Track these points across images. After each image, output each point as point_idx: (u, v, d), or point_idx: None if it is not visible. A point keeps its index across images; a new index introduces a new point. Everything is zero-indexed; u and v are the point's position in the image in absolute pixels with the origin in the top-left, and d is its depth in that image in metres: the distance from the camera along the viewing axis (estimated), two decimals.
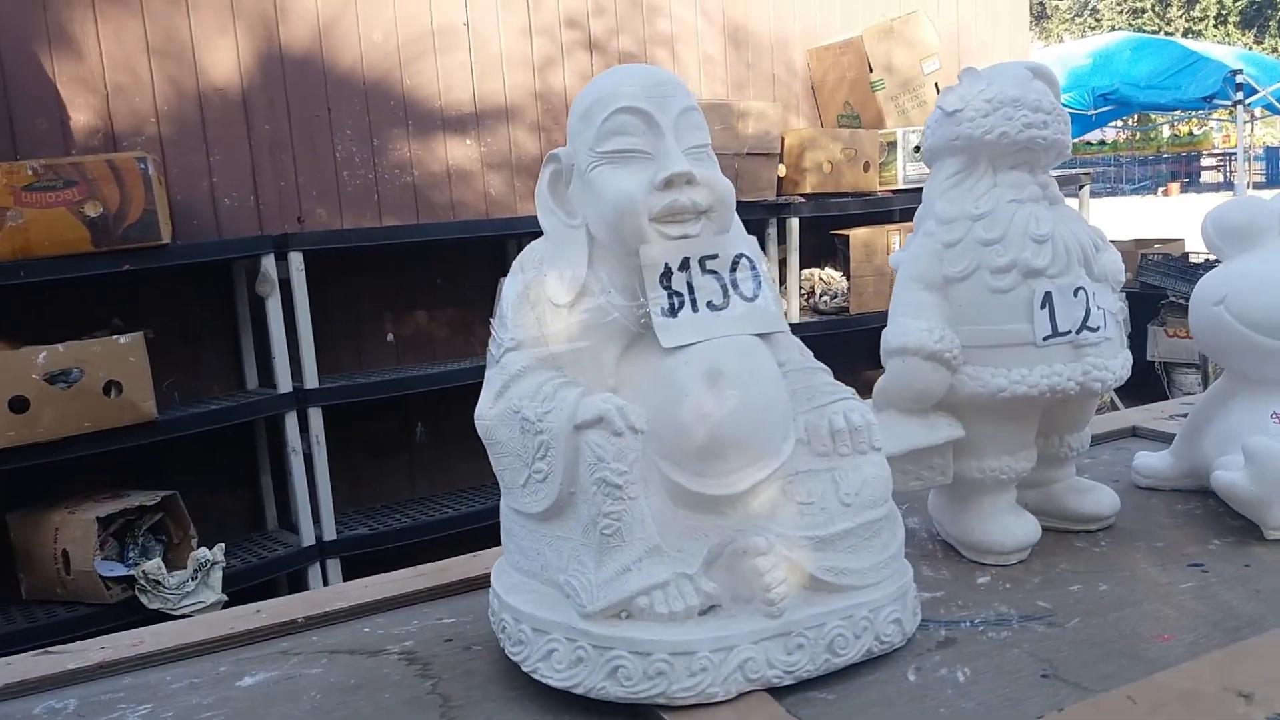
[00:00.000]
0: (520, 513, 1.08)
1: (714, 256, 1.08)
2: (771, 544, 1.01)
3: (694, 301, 1.06)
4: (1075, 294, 1.24)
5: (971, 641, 1.11)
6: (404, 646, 1.17)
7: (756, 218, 4.35)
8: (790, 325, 4.20)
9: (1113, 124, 17.49)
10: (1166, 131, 19.57)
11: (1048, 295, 1.23)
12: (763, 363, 1.06)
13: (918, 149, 4.66)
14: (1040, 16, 23.34)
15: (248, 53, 3.48)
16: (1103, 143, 19.59)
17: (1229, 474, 1.29)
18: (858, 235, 4.46)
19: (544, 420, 1.02)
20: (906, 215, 4.74)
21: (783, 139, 4.48)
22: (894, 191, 4.64)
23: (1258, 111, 9.45)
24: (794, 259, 4.41)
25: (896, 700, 1.00)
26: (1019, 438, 1.30)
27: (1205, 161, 19.79)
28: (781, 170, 4.50)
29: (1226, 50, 8.39)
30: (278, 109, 3.53)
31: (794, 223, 4.42)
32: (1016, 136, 1.25)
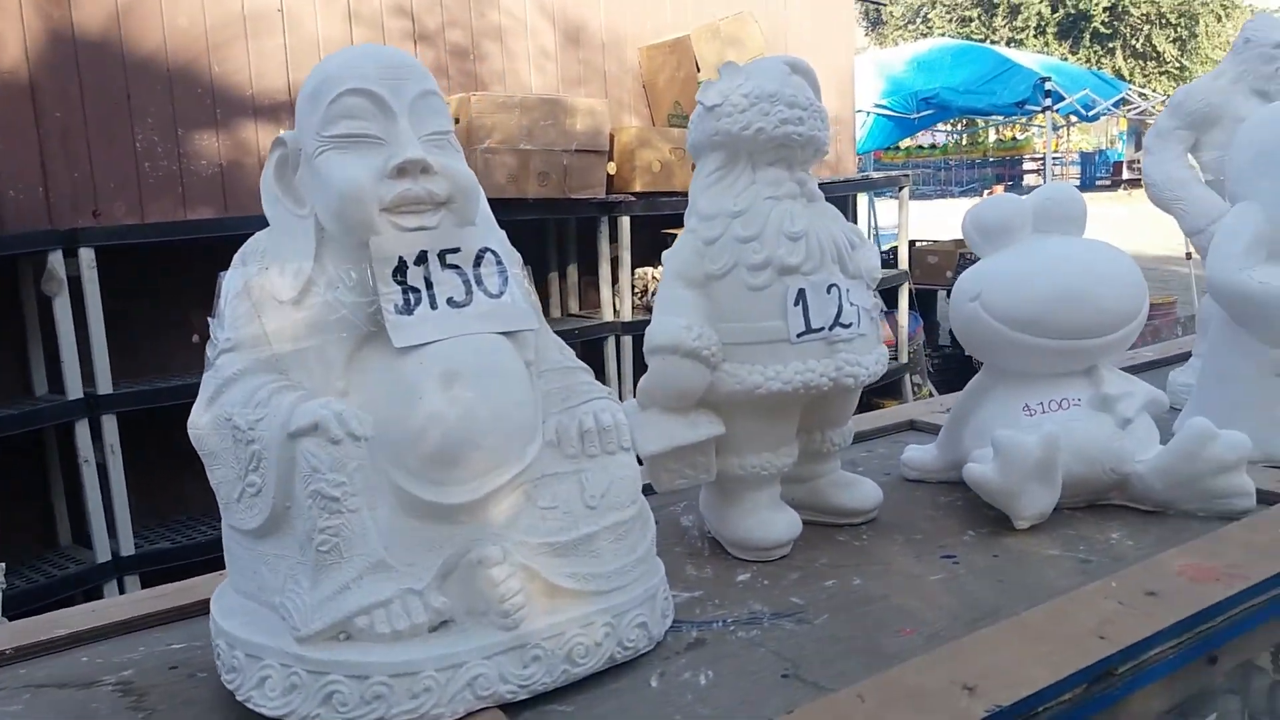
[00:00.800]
0: (237, 530, 1.00)
1: (455, 250, 1.02)
2: (508, 553, 0.96)
3: (433, 298, 1.00)
4: (829, 291, 1.24)
5: (720, 642, 1.08)
6: (121, 677, 1.07)
7: (587, 215, 4.32)
8: (623, 323, 4.12)
9: (942, 129, 18.24)
10: (992, 136, 20.53)
11: (801, 292, 1.22)
12: (505, 362, 1.01)
13: None
14: (876, 22, 24.14)
15: (36, 34, 3.23)
16: (934, 146, 20.40)
17: (979, 466, 1.31)
18: None
19: (256, 428, 0.94)
20: None
21: (613, 137, 4.46)
22: None
23: (1073, 118, 9.99)
24: (626, 257, 4.38)
25: (636, 708, 0.96)
26: (779, 434, 1.29)
27: (1027, 165, 20.85)
28: (612, 168, 4.47)
29: (1036, 59, 8.84)
30: (70, 95, 3.29)
31: (625, 221, 4.39)
32: (773, 132, 1.23)
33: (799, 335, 1.22)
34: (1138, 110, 9.88)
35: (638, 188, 4.40)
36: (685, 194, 4.17)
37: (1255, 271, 1.47)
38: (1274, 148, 1.48)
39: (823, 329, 1.23)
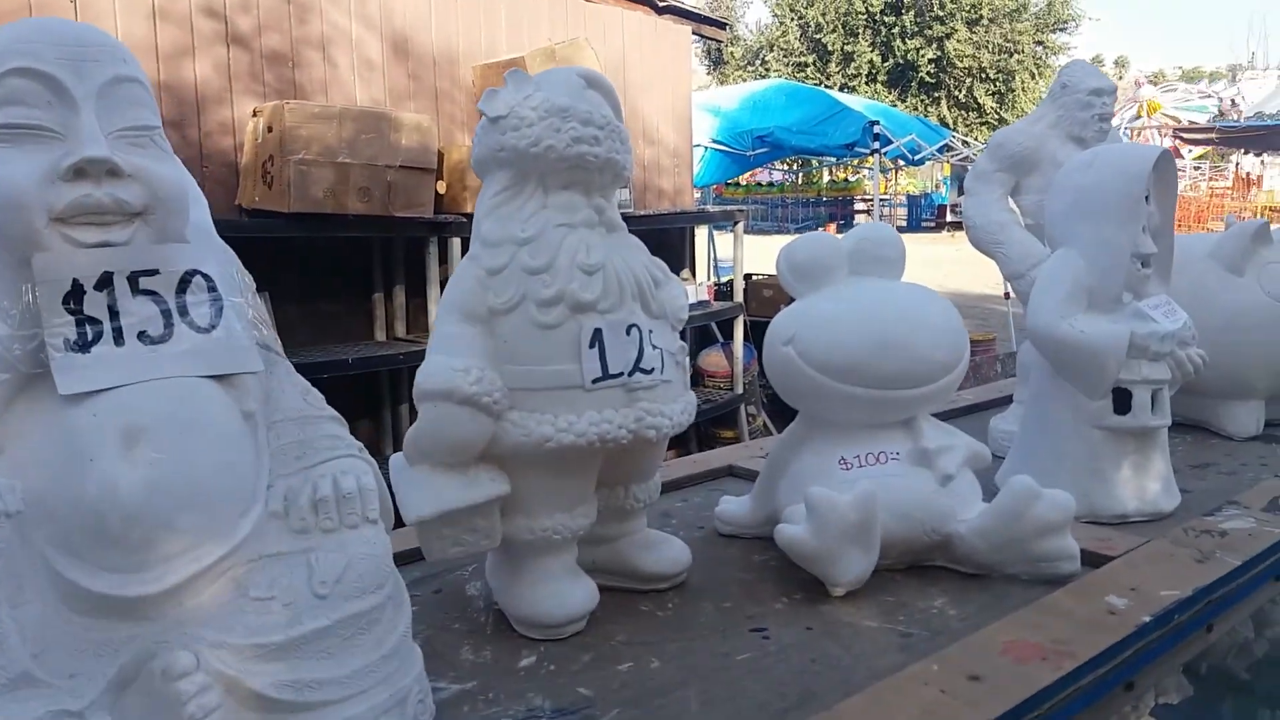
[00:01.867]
0: None
1: (152, 273, 0.81)
2: (203, 659, 0.75)
3: (118, 332, 0.79)
4: (628, 332, 1.08)
5: None
6: None
7: (417, 235, 4.08)
8: None
9: (780, 167, 18.67)
10: (826, 177, 21.15)
11: (597, 332, 1.06)
12: (212, 413, 0.80)
13: None
14: (718, 61, 24.61)
15: None
16: (772, 184, 20.87)
17: (791, 528, 1.17)
18: None
19: None
20: None
21: (443, 155, 4.24)
22: None
23: (900, 162, 10.31)
24: None
25: None
26: (575, 492, 1.12)
27: (858, 206, 21.59)
28: (442, 187, 4.25)
29: (866, 103, 9.08)
30: None
31: (456, 243, 4.17)
32: (565, 152, 1.07)
33: (594, 381, 1.06)
34: (960, 156, 10.31)
35: (469, 209, 4.17)
36: None
37: (1075, 320, 1.39)
38: (1090, 194, 1.41)
39: (622, 374, 1.07)
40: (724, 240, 7.92)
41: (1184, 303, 1.70)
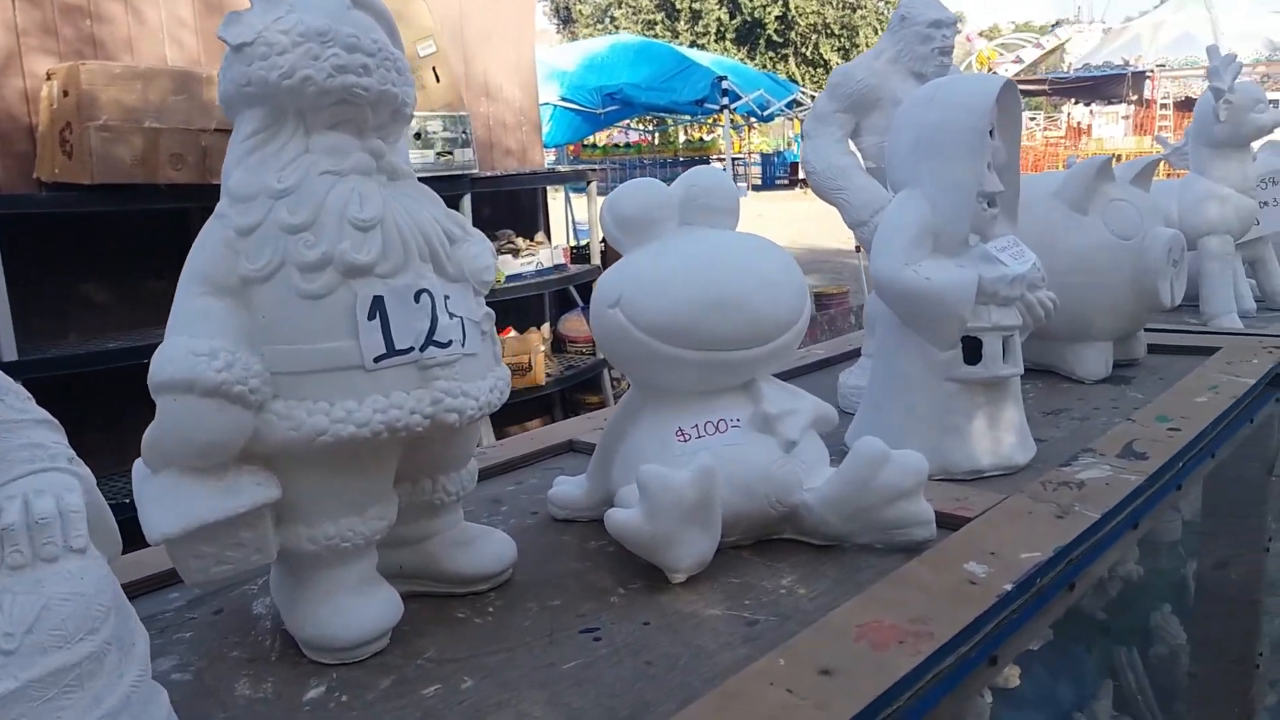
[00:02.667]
0: None
1: None
2: None
3: None
4: (417, 298, 0.91)
5: None
6: None
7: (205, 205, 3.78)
8: None
9: (636, 127, 18.50)
10: (682, 137, 21.14)
11: (378, 301, 0.89)
12: None
13: (418, 135, 4.32)
14: (567, 20, 24.22)
15: None
16: (629, 145, 20.73)
17: (622, 513, 1.03)
18: None
19: None
20: None
21: None
22: None
23: (751, 120, 10.30)
24: None
25: None
26: (367, 491, 0.96)
27: (714, 164, 21.70)
28: None
29: (714, 59, 9.00)
30: None
31: None
32: (325, 84, 0.89)
33: (377, 359, 0.89)
34: (808, 111, 10.42)
35: None
36: None
37: (920, 267, 1.30)
38: (933, 131, 1.31)
39: (412, 349, 0.90)
40: (580, 202, 7.77)
41: (1031, 244, 1.63)
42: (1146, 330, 1.93)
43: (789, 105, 8.59)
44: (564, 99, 7.56)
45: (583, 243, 6.57)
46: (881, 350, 1.41)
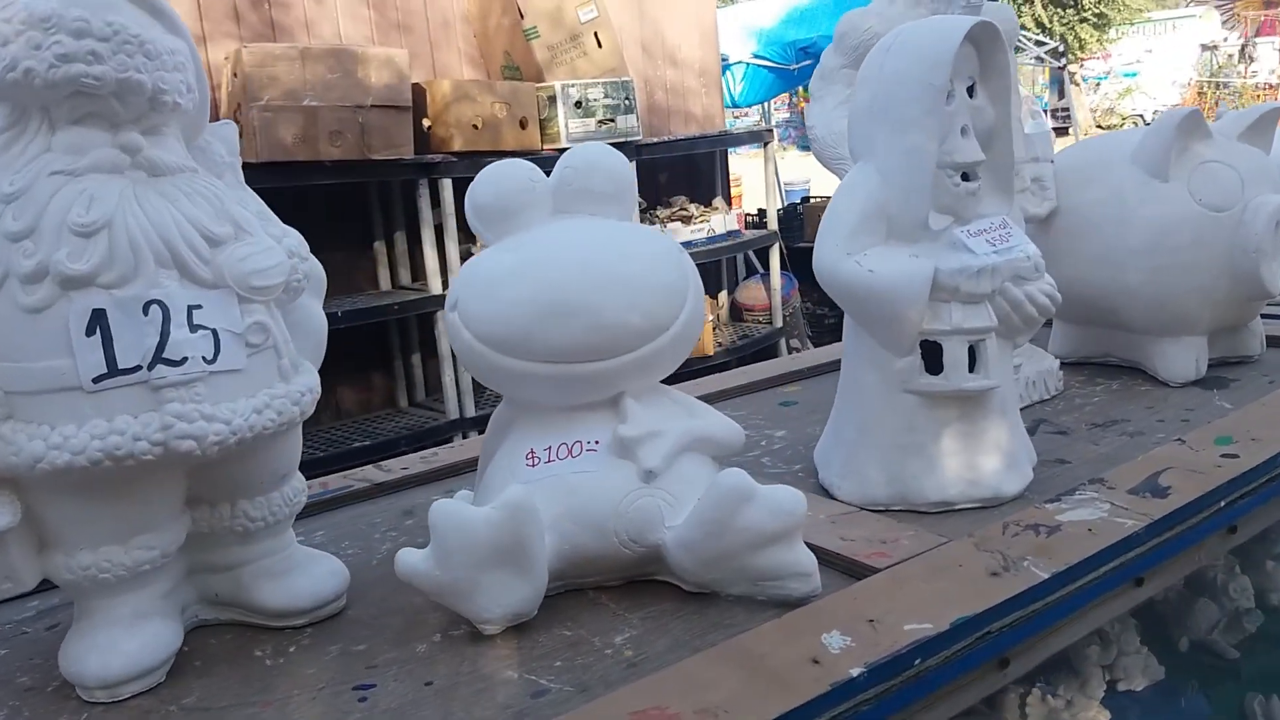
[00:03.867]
0: None
1: None
2: None
3: None
4: (147, 311, 0.81)
5: None
6: None
7: (403, 178, 3.87)
8: None
9: None
10: None
11: (99, 315, 0.80)
12: None
13: (579, 104, 4.26)
14: None
15: None
16: None
17: (409, 557, 0.90)
18: None
19: None
20: None
21: (427, 91, 4.00)
22: (558, 150, 4.21)
23: None
24: (451, 224, 3.91)
25: None
26: (127, 518, 0.87)
27: None
28: (427, 125, 4.01)
29: None
30: None
31: (447, 183, 3.93)
32: (49, 75, 0.80)
33: (96, 380, 0.80)
34: (1048, 50, 9.63)
35: (457, 146, 3.94)
36: (510, 153, 3.85)
37: (865, 257, 1.06)
38: (887, 88, 1.07)
39: (138, 368, 0.81)
40: (800, 162, 7.43)
41: (1097, 218, 1.34)
42: (1267, 320, 1.56)
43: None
44: (756, 56, 7.29)
45: (799, 202, 6.31)
46: (845, 355, 1.19)
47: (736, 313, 5.41)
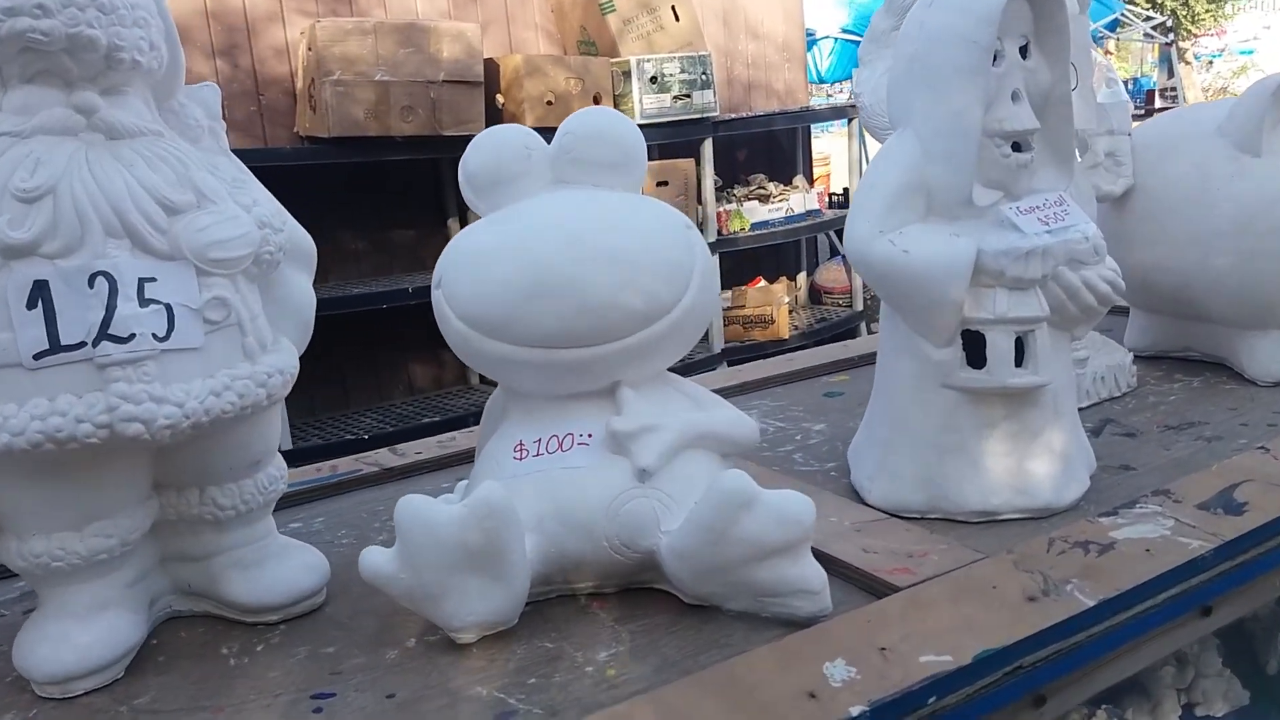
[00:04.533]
0: None
1: None
2: None
3: None
4: (92, 283, 0.75)
5: None
6: None
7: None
8: None
9: None
10: None
11: (40, 286, 0.74)
12: None
13: (654, 79, 4.16)
14: None
15: None
16: None
17: (375, 556, 0.82)
18: None
19: None
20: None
21: (499, 66, 3.94)
22: None
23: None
24: None
25: None
26: (82, 504, 0.82)
27: None
28: (500, 101, 3.96)
29: None
30: None
31: None
32: None
33: (37, 356, 0.74)
34: (1154, 27, 9.15)
35: (529, 122, 3.87)
36: None
37: (900, 235, 0.95)
38: (930, 48, 0.95)
39: (81, 345, 0.75)
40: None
41: (1182, 199, 1.20)
42: None
43: (1109, 27, 7.45)
44: (845, 30, 7.06)
45: None
46: (880, 345, 1.08)
47: (815, 295, 5.25)
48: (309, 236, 0.98)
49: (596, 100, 4.04)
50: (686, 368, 4.18)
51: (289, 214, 0.95)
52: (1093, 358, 1.29)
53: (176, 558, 0.91)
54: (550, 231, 0.86)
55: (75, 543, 0.82)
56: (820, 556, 0.90)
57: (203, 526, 0.90)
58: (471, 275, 0.87)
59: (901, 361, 1.00)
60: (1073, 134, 0.99)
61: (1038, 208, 0.95)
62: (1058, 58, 0.96)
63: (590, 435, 0.88)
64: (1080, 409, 1.24)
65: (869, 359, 1.56)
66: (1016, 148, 0.95)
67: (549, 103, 3.91)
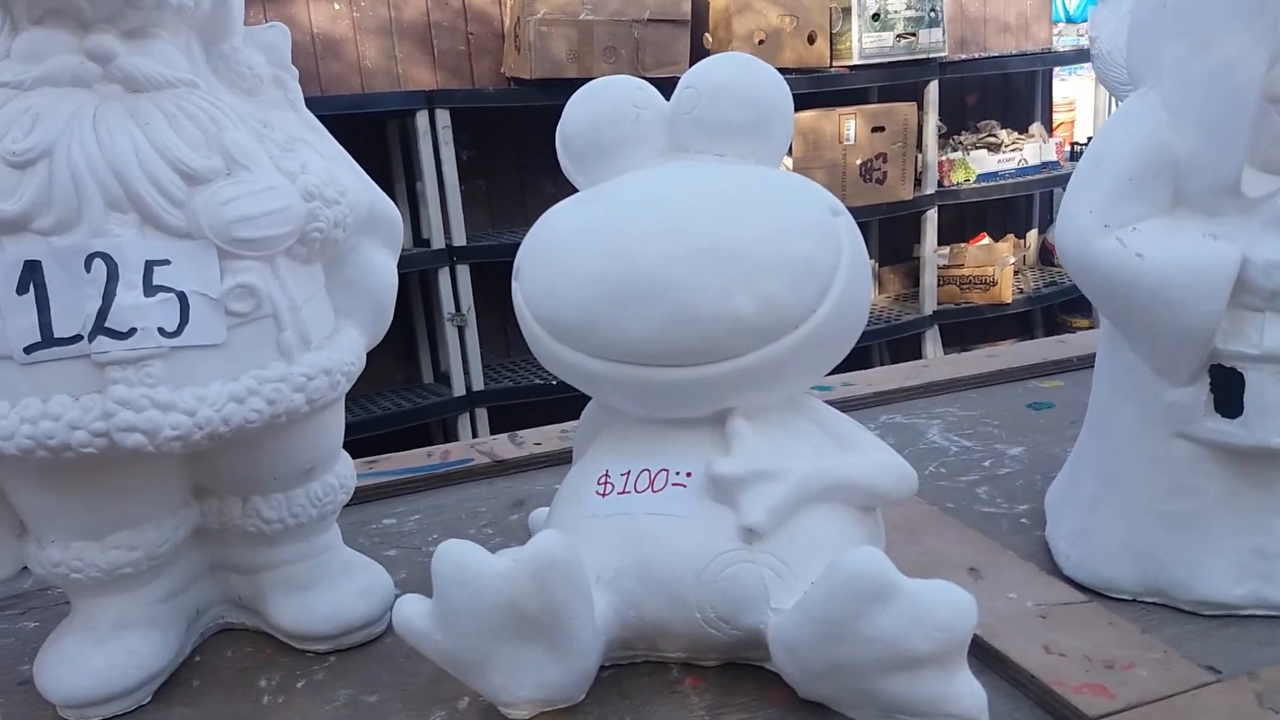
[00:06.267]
0: None
1: None
2: None
3: None
4: (89, 265, 0.63)
5: None
6: None
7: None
8: None
9: None
10: None
11: (33, 268, 0.63)
12: None
13: (876, 16, 3.83)
14: None
15: None
16: None
17: (410, 606, 0.66)
18: (801, 120, 3.70)
19: None
20: (860, 96, 3.95)
21: (707, 3, 3.74)
22: (849, 68, 3.83)
23: None
24: None
25: None
26: (101, 512, 0.71)
27: None
28: (708, 40, 3.75)
29: None
30: None
31: None
32: None
33: (29, 349, 0.63)
34: None
35: None
36: (795, 70, 3.49)
37: (1133, 233, 0.70)
38: None
39: (77, 339, 0.63)
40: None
41: None
42: None
43: None
44: None
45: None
46: (1096, 377, 0.82)
47: (1046, 256, 4.77)
48: (393, 206, 0.84)
49: (811, 40, 3.76)
50: (893, 331, 3.87)
51: (369, 180, 0.80)
52: None
53: (227, 566, 0.80)
54: (643, 216, 0.66)
55: (95, 554, 0.72)
56: (985, 652, 0.69)
57: (251, 537, 0.78)
58: (550, 266, 0.69)
59: (1123, 400, 0.75)
60: None
61: None
62: None
63: (690, 474, 0.69)
64: None
65: (1091, 361, 1.29)
66: None
67: (760, 42, 3.67)
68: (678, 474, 0.69)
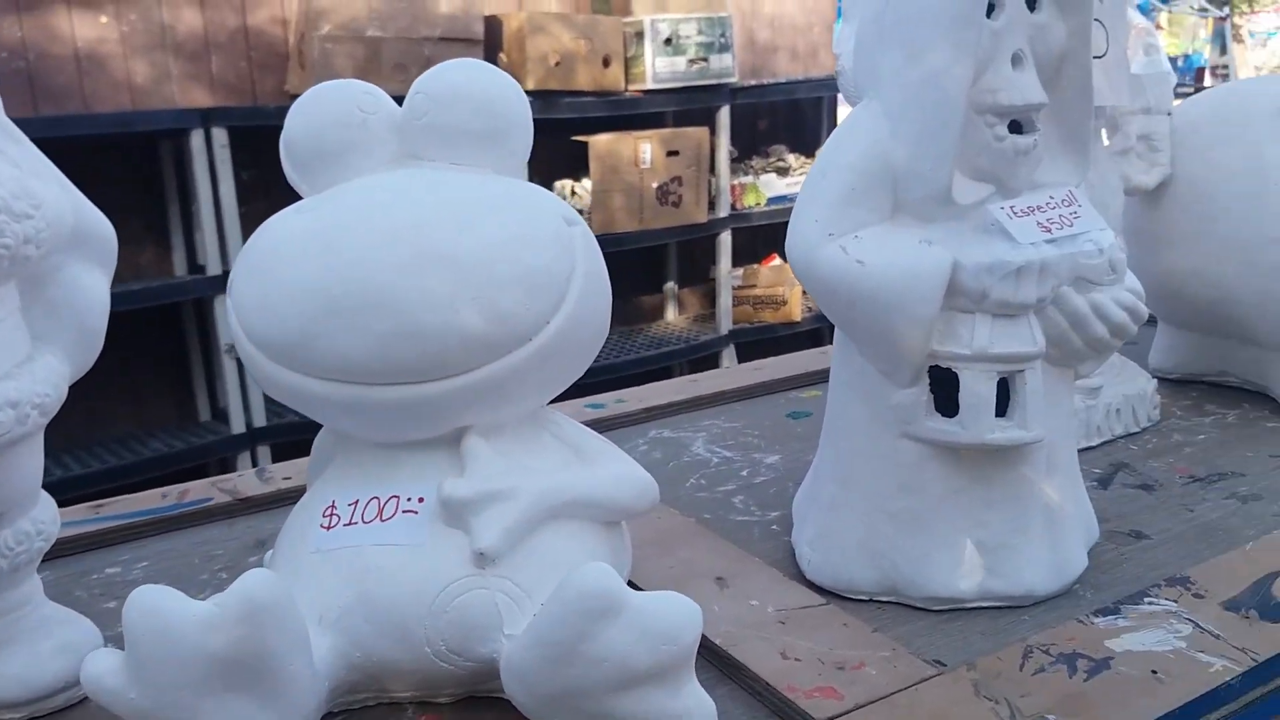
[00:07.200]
0: None
1: None
2: None
3: None
4: None
5: None
6: None
7: None
8: None
9: None
10: None
11: None
12: None
13: (669, 41, 3.90)
14: None
15: None
16: None
17: (103, 659, 0.60)
18: (598, 143, 3.73)
19: None
20: (655, 120, 4.01)
21: (500, 21, 3.71)
22: (644, 92, 3.87)
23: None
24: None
25: None
26: None
27: None
28: (503, 61, 3.72)
29: None
30: None
31: None
32: None
33: None
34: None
35: (530, 85, 3.63)
36: (590, 93, 3.49)
37: (856, 240, 0.72)
38: None
39: None
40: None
41: (1231, 195, 0.97)
42: None
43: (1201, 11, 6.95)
44: None
45: None
46: (831, 382, 0.84)
47: None
48: (104, 220, 0.76)
49: (606, 64, 3.80)
50: (692, 351, 3.95)
51: (76, 192, 0.73)
52: (1107, 386, 1.05)
53: None
54: (366, 222, 0.63)
55: None
56: (725, 661, 0.68)
57: None
58: (261, 278, 0.64)
59: (855, 402, 0.77)
60: (1091, 113, 0.75)
61: (1039, 208, 0.71)
62: (1076, 11, 0.72)
63: (422, 500, 0.66)
64: (1087, 449, 1.01)
65: None
66: (1015, 128, 0.71)
67: (555, 64, 3.68)
68: (409, 500, 0.66)
